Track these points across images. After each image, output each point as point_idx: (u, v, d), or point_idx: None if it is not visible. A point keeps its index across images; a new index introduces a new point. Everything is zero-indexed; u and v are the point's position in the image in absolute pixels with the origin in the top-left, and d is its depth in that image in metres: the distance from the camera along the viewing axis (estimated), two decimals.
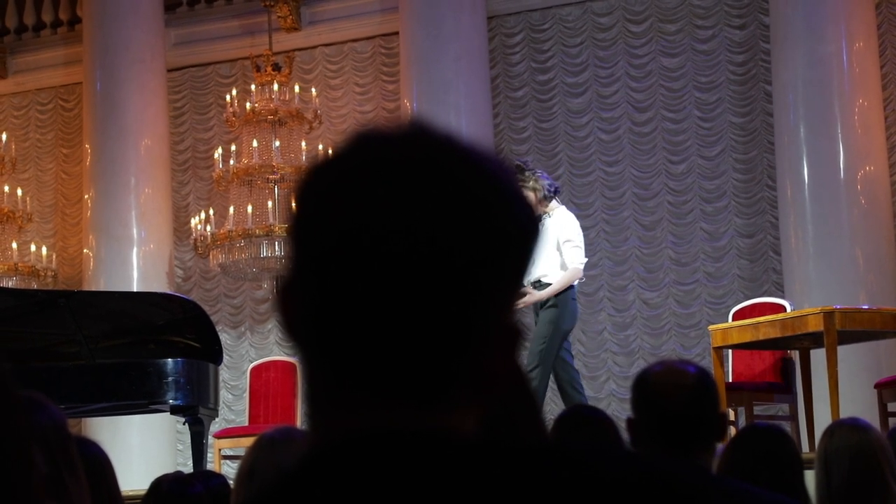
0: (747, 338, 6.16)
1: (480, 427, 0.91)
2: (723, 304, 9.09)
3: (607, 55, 9.73)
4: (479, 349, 0.87)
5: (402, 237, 0.84)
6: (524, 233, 0.88)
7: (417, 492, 0.82)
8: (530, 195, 6.20)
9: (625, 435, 2.63)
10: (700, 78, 9.49)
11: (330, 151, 0.91)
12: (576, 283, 6.44)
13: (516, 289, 0.90)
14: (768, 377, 6.55)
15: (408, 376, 0.85)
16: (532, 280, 6.26)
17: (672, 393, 2.31)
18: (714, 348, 6.27)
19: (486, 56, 9.66)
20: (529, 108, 9.90)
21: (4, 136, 10.48)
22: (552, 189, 6.45)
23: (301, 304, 0.88)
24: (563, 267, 6.32)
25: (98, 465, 2.36)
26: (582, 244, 6.43)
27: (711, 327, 6.51)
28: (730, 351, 6.61)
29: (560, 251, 6.35)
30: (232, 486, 2.92)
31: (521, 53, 9.95)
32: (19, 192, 10.32)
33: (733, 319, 6.73)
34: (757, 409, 6.52)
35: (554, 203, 6.48)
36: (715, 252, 9.35)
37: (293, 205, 0.90)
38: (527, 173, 6.34)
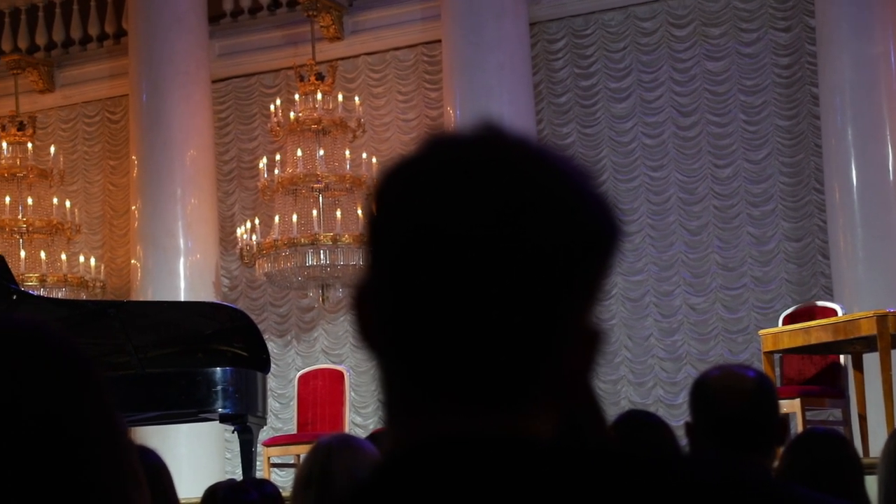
0: (798, 342, 6.10)
1: (558, 431, 0.90)
2: (771, 308, 9.01)
3: (651, 59, 9.69)
4: (559, 352, 0.86)
5: (481, 238, 0.83)
6: (605, 232, 0.87)
7: (500, 497, 0.81)
8: None
9: (681, 439, 2.61)
10: (745, 81, 9.42)
11: (403, 155, 0.91)
12: None
13: (598, 290, 0.89)
14: (820, 382, 6.48)
15: (488, 380, 0.85)
16: None
17: (731, 397, 2.29)
18: (765, 353, 6.21)
19: (528, 62, 9.65)
20: (573, 113, 9.87)
21: (53, 149, 10.60)
22: None
23: (378, 307, 0.87)
24: None
25: (157, 474, 2.37)
26: None
27: (762, 332, 6.46)
28: (779, 355, 6.55)
29: None
30: (290, 493, 2.93)
31: (563, 59, 9.93)
32: (68, 203, 10.43)
33: (783, 324, 6.66)
34: (808, 415, 6.45)
35: None
36: (762, 256, 9.27)
37: (369, 209, 0.90)
38: None
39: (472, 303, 0.84)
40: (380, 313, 0.87)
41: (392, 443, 0.87)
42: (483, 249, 0.83)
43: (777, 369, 6.58)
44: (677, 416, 8.82)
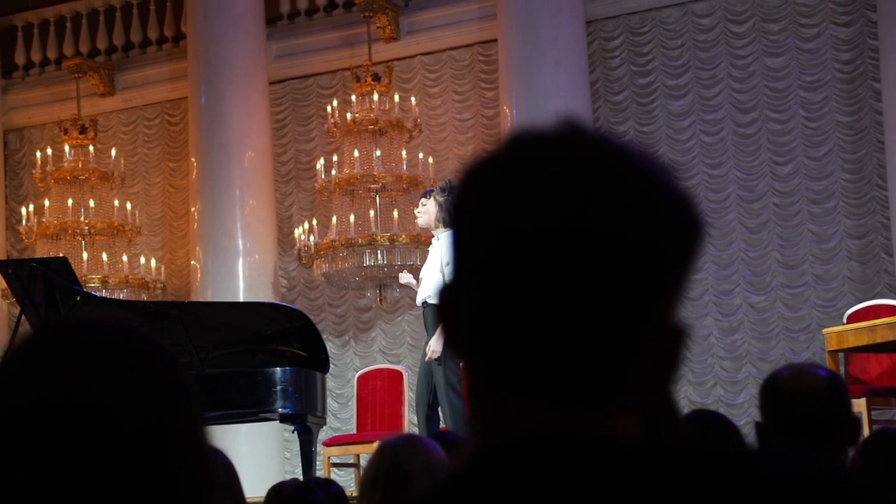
0: (864, 341, 6.02)
1: (642, 429, 0.89)
2: (833, 306, 8.90)
3: (709, 56, 9.61)
4: (645, 350, 0.85)
5: (567, 235, 0.82)
6: (689, 229, 0.86)
7: (588, 496, 0.80)
8: (433, 208, 6.47)
9: (749, 439, 2.58)
10: (805, 77, 9.32)
11: (484, 153, 0.90)
12: None
13: (682, 287, 0.88)
14: (885, 381, 6.39)
15: (574, 379, 0.84)
16: (419, 302, 6.47)
17: (803, 396, 2.26)
18: (829, 352, 6.14)
19: (585, 61, 9.61)
20: (630, 111, 9.82)
21: (114, 152, 10.73)
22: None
23: (464, 306, 0.87)
24: None
25: (225, 473, 2.39)
26: None
27: (826, 330, 6.38)
28: (843, 355, 6.46)
29: (442, 273, 6.46)
30: (351, 493, 2.93)
31: (620, 57, 9.88)
32: (129, 206, 10.55)
33: (848, 322, 6.58)
34: (873, 414, 6.37)
35: (445, 229, 6.59)
36: (824, 254, 9.16)
37: (452, 208, 0.89)
38: (445, 192, 6.55)
39: (558, 301, 0.83)
40: (465, 313, 0.87)
41: (477, 442, 0.87)
42: (567, 248, 0.83)
43: (841, 368, 6.50)
44: (738, 415, 8.74)
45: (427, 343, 6.53)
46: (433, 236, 6.79)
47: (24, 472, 0.90)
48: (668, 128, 9.68)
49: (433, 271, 6.50)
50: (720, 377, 9.32)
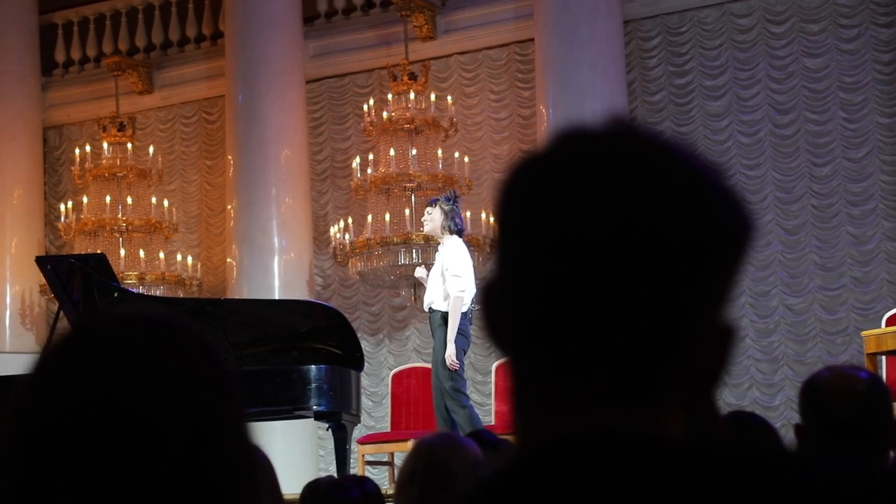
0: None
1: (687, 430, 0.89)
2: (871, 309, 8.83)
3: (747, 57, 9.55)
4: (692, 349, 0.85)
5: (617, 232, 0.82)
6: (738, 228, 0.86)
7: (636, 496, 0.80)
8: (439, 216, 6.61)
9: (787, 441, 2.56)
10: (845, 78, 9.24)
11: (532, 151, 0.90)
12: (467, 308, 6.60)
13: (730, 286, 0.88)
14: None
15: (621, 375, 0.84)
16: (425, 307, 6.65)
17: (843, 399, 2.24)
18: (868, 354, 6.09)
19: (622, 60, 9.58)
20: (667, 112, 9.78)
21: (151, 149, 10.80)
22: (458, 227, 6.77)
23: (508, 305, 0.87)
24: (447, 296, 6.56)
25: (263, 469, 2.40)
26: (463, 273, 6.65)
27: (865, 333, 6.33)
28: (883, 357, 6.41)
29: (444, 279, 6.59)
30: (390, 491, 2.93)
31: (657, 57, 9.84)
32: (166, 203, 10.62)
33: (887, 325, 6.52)
34: None
35: (450, 236, 6.71)
36: (862, 256, 9.09)
37: (498, 205, 0.89)
38: (450, 201, 6.75)
39: (605, 299, 0.83)
40: (511, 310, 0.87)
41: (523, 439, 0.87)
42: (615, 245, 0.82)
43: (882, 372, 6.44)
44: (773, 418, 8.68)
45: (434, 348, 6.62)
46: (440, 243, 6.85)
47: (64, 476, 0.88)
48: (705, 128, 9.63)
49: (436, 278, 6.60)
50: (756, 379, 9.26)
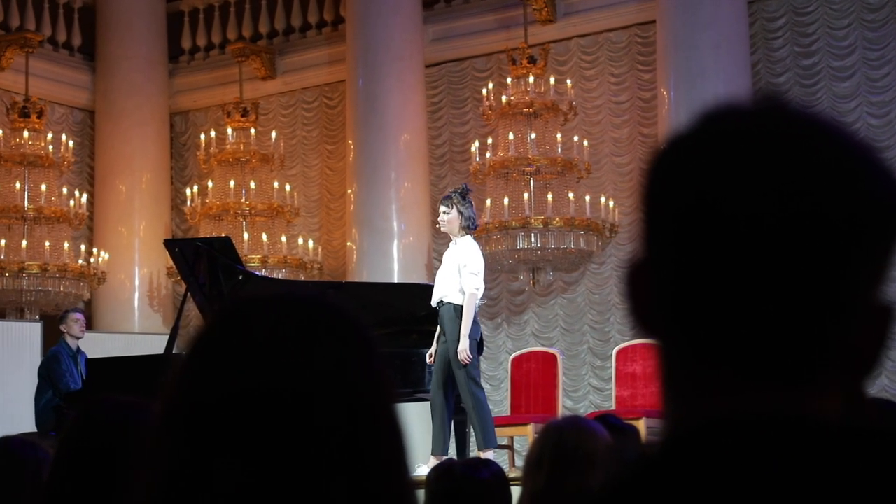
0: None
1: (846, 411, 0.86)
2: None
3: (877, 36, 9.29)
4: (849, 327, 0.83)
5: (771, 209, 0.81)
6: (894, 205, 0.84)
7: (795, 479, 0.78)
8: (456, 215, 6.72)
9: None
10: None
11: (679, 131, 0.89)
12: (476, 306, 6.71)
13: (888, 264, 0.85)
14: None
15: (775, 355, 0.82)
16: (436, 302, 6.68)
17: None
18: None
19: (746, 42, 9.40)
20: (792, 93, 9.57)
21: (274, 134, 10.98)
22: (472, 223, 6.82)
23: (656, 284, 0.86)
24: (462, 291, 6.64)
25: None
26: (479, 272, 6.71)
27: None
28: None
29: (460, 275, 6.64)
30: (510, 474, 2.94)
31: (783, 38, 9.63)
32: (287, 187, 10.78)
33: None
34: None
35: (464, 234, 6.79)
36: None
37: (644, 186, 0.88)
38: (465, 198, 6.80)
39: (759, 278, 0.81)
40: (659, 291, 0.85)
41: (675, 422, 0.86)
42: (770, 223, 0.81)
43: None
44: None
45: (442, 339, 6.68)
46: (452, 239, 6.87)
47: (225, 457, 0.88)
48: (832, 110, 9.40)
49: (450, 274, 6.65)
50: (885, 366, 9.03)
